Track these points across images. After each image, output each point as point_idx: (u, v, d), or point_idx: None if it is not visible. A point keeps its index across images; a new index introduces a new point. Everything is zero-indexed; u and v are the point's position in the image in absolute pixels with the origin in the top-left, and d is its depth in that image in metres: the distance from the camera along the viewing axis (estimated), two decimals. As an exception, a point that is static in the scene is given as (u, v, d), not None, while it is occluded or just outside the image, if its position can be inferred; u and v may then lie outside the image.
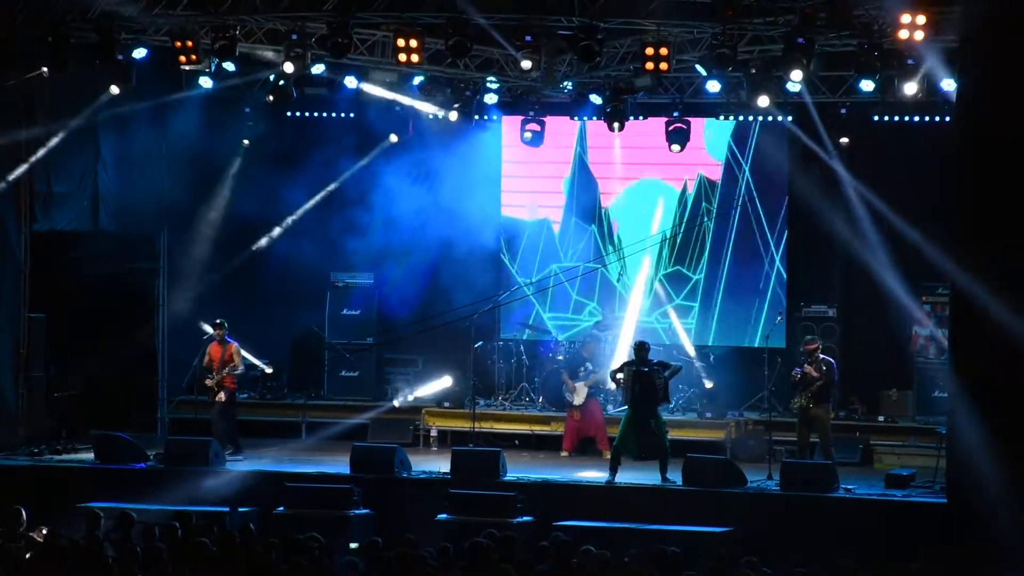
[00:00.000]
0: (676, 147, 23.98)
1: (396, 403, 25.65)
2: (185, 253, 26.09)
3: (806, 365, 21.72)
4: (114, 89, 22.27)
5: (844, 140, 24.19)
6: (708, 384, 24.84)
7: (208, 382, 22.84)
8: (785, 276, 25.98)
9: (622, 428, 21.46)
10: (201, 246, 26.23)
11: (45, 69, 21.38)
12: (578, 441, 24.25)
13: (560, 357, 25.44)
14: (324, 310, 26.81)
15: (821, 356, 21.94)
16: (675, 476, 20.99)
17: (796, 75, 20.47)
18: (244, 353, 23.63)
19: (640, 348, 21.68)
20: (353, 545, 18.24)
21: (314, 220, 26.46)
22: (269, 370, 26.18)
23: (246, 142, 26.07)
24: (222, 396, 22.89)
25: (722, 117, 25.39)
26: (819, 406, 21.76)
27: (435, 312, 25.33)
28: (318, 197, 26.45)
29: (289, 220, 26.43)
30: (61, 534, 14.72)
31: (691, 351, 25.43)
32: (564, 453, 24.22)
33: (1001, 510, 17.56)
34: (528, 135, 25.41)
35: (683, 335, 25.71)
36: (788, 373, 22.40)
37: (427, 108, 24.97)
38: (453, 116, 24.63)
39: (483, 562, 13.94)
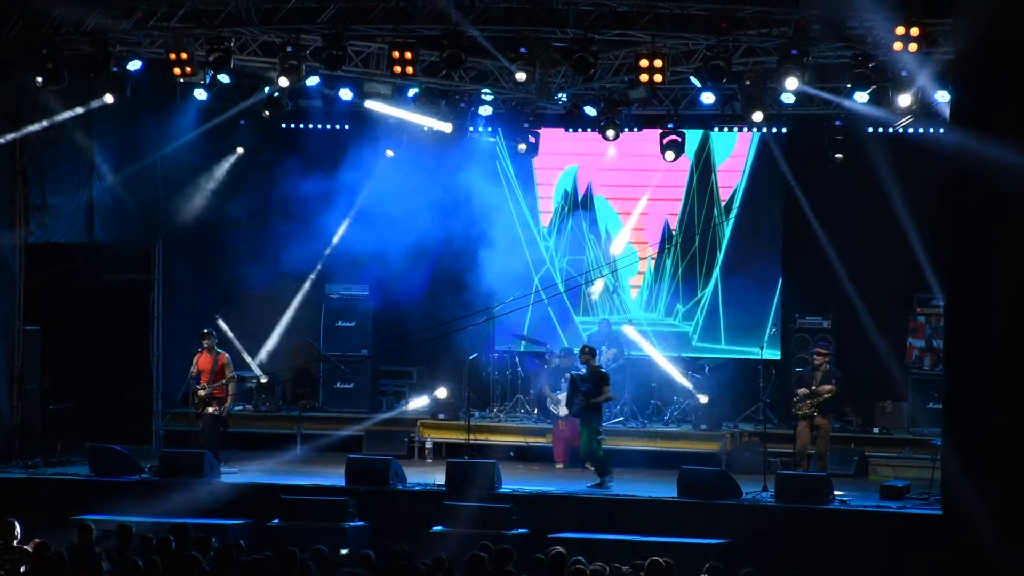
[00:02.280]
0: (670, 155, 23.95)
1: (408, 405, 25.59)
2: (180, 265, 26.08)
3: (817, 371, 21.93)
4: (108, 97, 22.26)
5: (838, 156, 24.20)
6: (703, 399, 24.79)
7: (202, 392, 22.77)
8: (780, 288, 26.02)
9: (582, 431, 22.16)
10: (196, 258, 26.23)
11: (40, 79, 21.35)
12: (569, 452, 24.26)
13: (546, 366, 25.48)
14: (319, 322, 26.81)
15: (829, 367, 22.07)
16: (670, 488, 20.98)
17: (791, 83, 20.47)
18: (245, 357, 23.60)
19: (582, 352, 22.46)
20: (343, 551, 18.18)
21: (308, 232, 26.46)
22: (264, 379, 26.18)
23: (240, 150, 26.07)
24: (215, 408, 22.78)
25: (716, 129, 25.47)
26: (824, 415, 21.87)
27: (430, 324, 25.36)
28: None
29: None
30: (49, 546, 14.68)
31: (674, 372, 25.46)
32: (559, 465, 24.22)
33: (996, 522, 17.54)
34: (523, 147, 25.44)
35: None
36: (791, 378, 22.49)
37: (425, 122, 24.98)
38: (448, 128, 24.67)
39: (479, 574, 13.96)
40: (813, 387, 21.94)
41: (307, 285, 26.92)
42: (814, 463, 21.97)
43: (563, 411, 24.04)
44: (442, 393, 25.15)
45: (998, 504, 17.48)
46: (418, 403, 25.67)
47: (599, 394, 21.95)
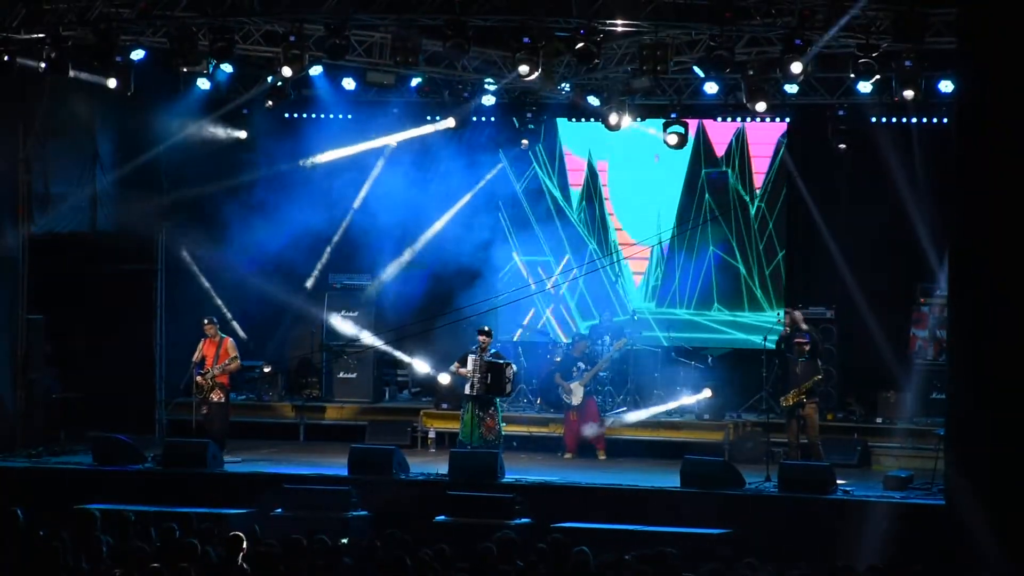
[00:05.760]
0: (673, 138, 23.81)
1: (443, 377, 25.39)
2: (183, 254, 26.09)
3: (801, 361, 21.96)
4: (111, 82, 22.21)
5: (842, 146, 24.12)
6: (707, 393, 24.67)
7: (200, 379, 22.78)
8: (784, 277, 26.03)
9: (468, 419, 22.43)
10: (199, 247, 26.23)
11: (43, 65, 21.32)
12: (579, 442, 24.21)
13: (558, 359, 25.46)
14: (322, 312, 26.80)
15: (807, 358, 22.09)
16: (673, 478, 20.99)
17: (796, 68, 20.35)
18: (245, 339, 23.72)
19: (489, 334, 22.75)
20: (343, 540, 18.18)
21: (312, 222, 26.46)
22: (267, 369, 26.19)
23: (244, 134, 26.00)
24: (219, 395, 22.81)
25: (720, 119, 25.44)
26: (810, 402, 21.89)
27: (433, 314, 25.36)
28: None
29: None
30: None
31: None
32: (568, 455, 24.13)
33: (999, 512, 17.54)
34: (525, 142, 25.49)
35: None
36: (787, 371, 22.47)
37: (428, 128, 25.18)
38: (451, 123, 24.74)
39: (483, 564, 13.97)
40: (797, 378, 22.00)
41: (315, 274, 26.94)
42: (810, 454, 21.93)
43: (575, 400, 24.00)
44: (444, 379, 25.08)
45: (1000, 493, 17.50)
46: (444, 378, 25.51)
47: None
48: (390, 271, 26.76)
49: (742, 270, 26.21)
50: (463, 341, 24.24)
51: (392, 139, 26.21)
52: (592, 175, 26.78)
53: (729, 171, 26.23)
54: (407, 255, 26.67)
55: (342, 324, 26.46)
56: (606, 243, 26.79)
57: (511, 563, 14.06)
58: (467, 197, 26.56)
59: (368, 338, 26.16)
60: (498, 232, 26.75)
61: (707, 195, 26.32)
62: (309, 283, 26.99)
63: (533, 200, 26.89)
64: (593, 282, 26.56)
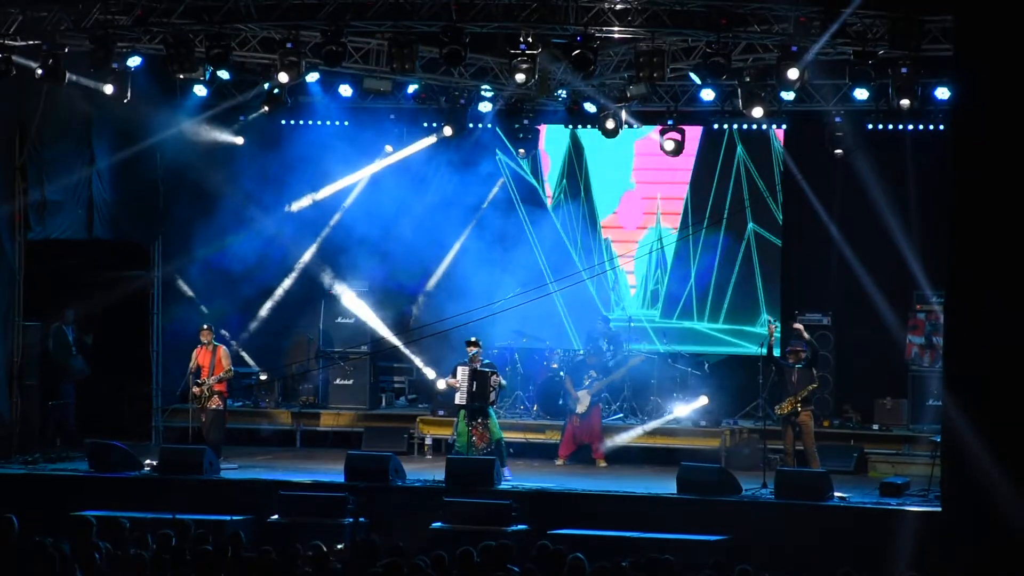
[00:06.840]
0: (669, 144, 23.79)
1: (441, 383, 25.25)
2: (180, 261, 26.08)
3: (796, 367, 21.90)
4: (108, 88, 22.21)
5: (839, 152, 24.09)
6: (703, 400, 24.63)
7: (196, 389, 22.79)
8: (780, 284, 26.01)
9: (463, 429, 22.34)
10: (195, 255, 26.23)
11: (39, 72, 21.30)
12: (574, 449, 24.16)
13: (554, 365, 25.45)
14: (319, 318, 26.78)
15: (802, 365, 22.01)
16: (669, 484, 20.98)
17: (792, 74, 20.33)
18: (244, 355, 23.60)
19: (476, 345, 22.60)
20: (339, 546, 18.19)
21: (309, 228, 26.46)
22: (264, 376, 26.18)
23: (240, 140, 25.95)
24: (216, 403, 22.80)
25: (716, 126, 25.43)
26: (805, 410, 21.84)
27: (430, 320, 25.37)
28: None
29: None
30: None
31: None
32: (559, 462, 24.10)
33: (995, 518, 17.54)
34: (522, 152, 25.51)
35: None
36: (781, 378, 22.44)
37: (427, 142, 25.30)
38: (448, 131, 24.75)
39: (476, 571, 13.96)
40: (793, 386, 21.93)
41: (294, 275, 26.87)
42: (806, 462, 21.90)
43: (581, 408, 23.93)
44: (441, 385, 25.06)
45: (996, 500, 17.49)
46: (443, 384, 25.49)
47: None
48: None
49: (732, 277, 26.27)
50: (459, 351, 24.33)
51: (384, 162, 26.29)
52: (578, 164, 26.81)
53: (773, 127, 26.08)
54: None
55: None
56: (596, 244, 26.79)
57: (504, 569, 14.05)
58: (476, 217, 26.59)
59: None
60: (492, 238, 26.74)
61: (739, 147, 26.23)
62: (303, 288, 26.98)
63: (526, 205, 26.89)
64: (581, 289, 26.49)
